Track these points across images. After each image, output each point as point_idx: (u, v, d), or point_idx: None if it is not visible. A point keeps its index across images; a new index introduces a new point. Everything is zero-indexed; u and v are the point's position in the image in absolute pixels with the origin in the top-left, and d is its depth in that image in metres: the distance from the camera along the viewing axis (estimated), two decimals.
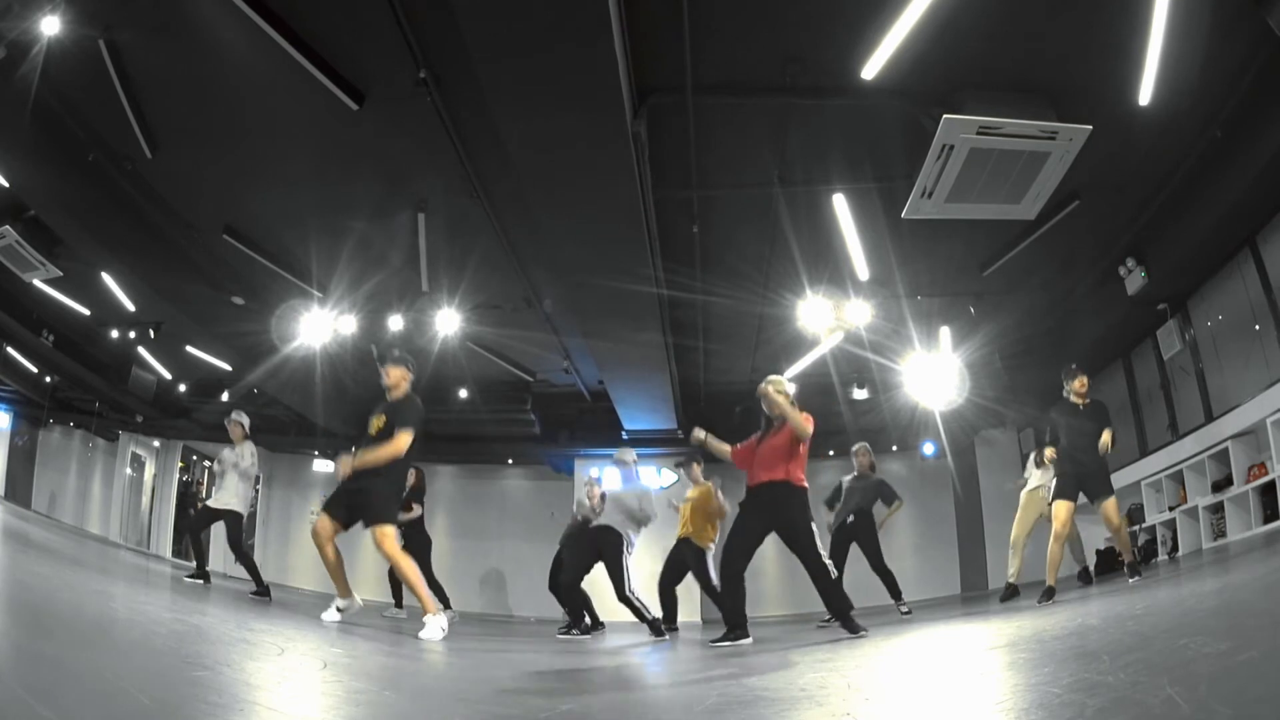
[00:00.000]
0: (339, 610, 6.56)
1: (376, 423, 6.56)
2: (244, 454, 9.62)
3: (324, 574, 6.83)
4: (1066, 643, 3.73)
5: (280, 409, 15.26)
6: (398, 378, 6.71)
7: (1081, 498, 7.77)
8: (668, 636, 8.42)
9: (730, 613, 6.49)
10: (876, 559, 9.67)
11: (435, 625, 6.17)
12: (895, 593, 9.65)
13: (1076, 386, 8.02)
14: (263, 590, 9.10)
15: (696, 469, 10.05)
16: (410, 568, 6.53)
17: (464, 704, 3.09)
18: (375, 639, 5.69)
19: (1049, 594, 7.30)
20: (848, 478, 10.19)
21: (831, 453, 16.24)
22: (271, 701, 2.59)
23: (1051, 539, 7.67)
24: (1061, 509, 7.65)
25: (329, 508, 6.47)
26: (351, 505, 6.44)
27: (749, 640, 6.28)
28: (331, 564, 6.58)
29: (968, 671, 3.61)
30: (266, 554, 17.75)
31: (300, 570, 17.17)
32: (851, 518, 9.74)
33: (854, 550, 9.69)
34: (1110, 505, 7.64)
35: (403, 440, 6.38)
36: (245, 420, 9.87)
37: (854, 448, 10.24)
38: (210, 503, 9.63)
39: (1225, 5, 6.05)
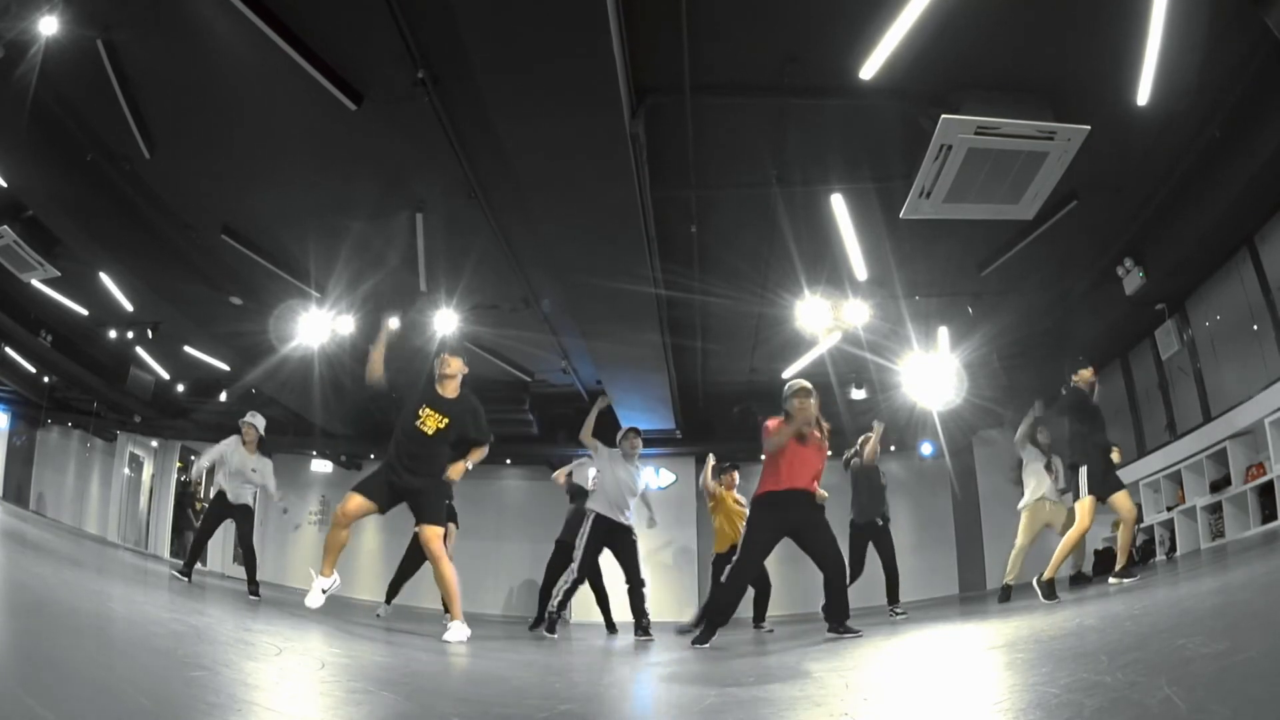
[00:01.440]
0: (324, 592, 6.42)
1: (436, 421, 6.36)
2: (266, 471, 9.75)
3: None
4: (1065, 643, 3.73)
5: (278, 409, 15.25)
6: (459, 368, 6.54)
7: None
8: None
9: (726, 615, 6.55)
10: (893, 560, 9.65)
11: (460, 629, 6.20)
12: (895, 596, 9.62)
13: (1088, 375, 7.90)
14: (254, 590, 9.19)
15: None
16: (452, 572, 6.39)
17: (462, 703, 3.09)
18: (372, 639, 5.69)
19: (1052, 590, 7.26)
20: (857, 462, 10.08)
21: (830, 453, 16.22)
22: (269, 702, 2.59)
23: (1076, 533, 7.56)
24: (1091, 506, 7.46)
25: (367, 490, 6.28)
26: (405, 500, 6.38)
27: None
28: (340, 543, 6.38)
29: (966, 672, 3.62)
30: (264, 555, 17.72)
31: (297, 571, 17.17)
32: (881, 521, 9.68)
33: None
34: (1126, 494, 7.55)
35: (481, 454, 6.66)
36: (260, 424, 9.84)
37: (862, 437, 10.17)
38: (232, 498, 9.51)
39: (1223, 5, 6.06)
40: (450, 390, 6.49)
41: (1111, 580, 7.48)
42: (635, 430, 9.01)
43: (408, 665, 4.35)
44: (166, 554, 16.61)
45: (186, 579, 8.89)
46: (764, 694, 3.27)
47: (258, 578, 9.53)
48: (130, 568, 9.91)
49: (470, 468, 6.69)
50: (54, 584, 4.79)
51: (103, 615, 4.04)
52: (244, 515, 9.59)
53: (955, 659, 4.21)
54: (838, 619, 6.41)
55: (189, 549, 9.94)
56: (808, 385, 6.72)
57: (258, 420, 9.81)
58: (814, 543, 6.46)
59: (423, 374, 6.61)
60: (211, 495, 9.81)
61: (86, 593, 4.94)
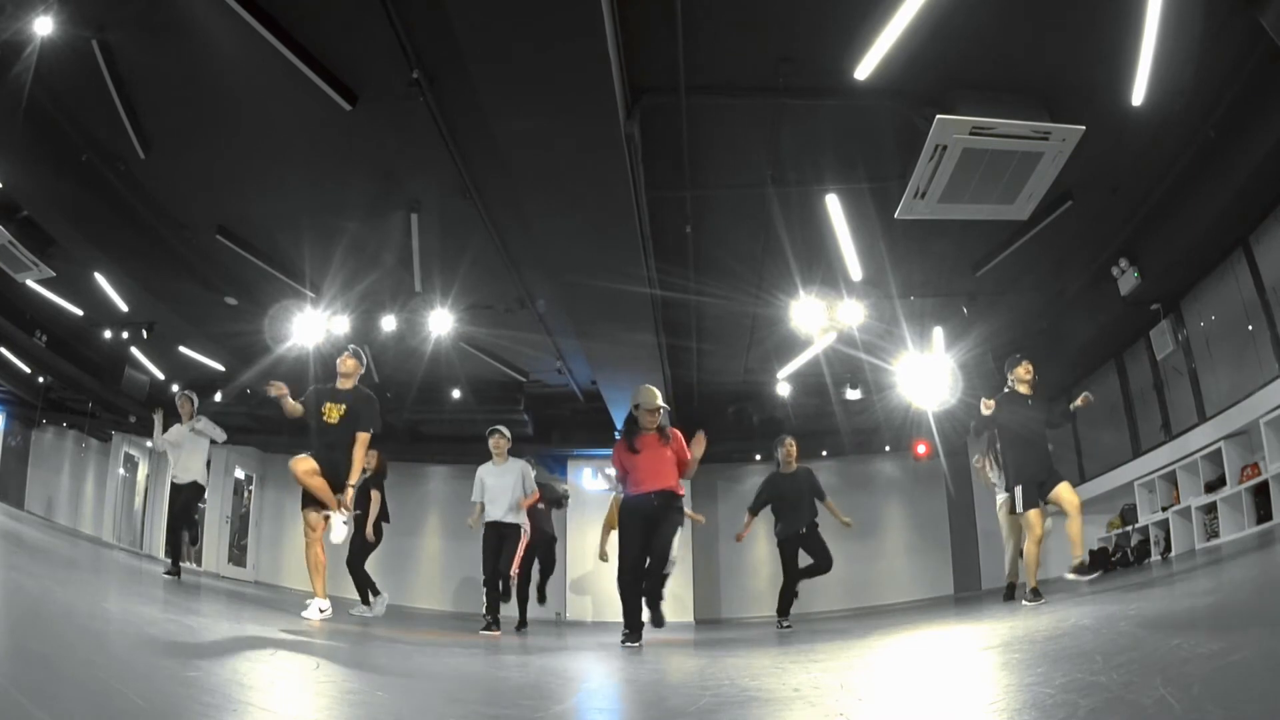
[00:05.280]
0: (321, 611, 6.82)
1: (336, 410, 6.99)
2: (209, 425, 10.13)
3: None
4: (1060, 643, 3.74)
5: (273, 410, 15.20)
6: (354, 368, 7.21)
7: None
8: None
9: (627, 609, 6.72)
10: (828, 563, 9.23)
11: (315, 608, 6.71)
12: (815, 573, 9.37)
13: (1022, 373, 7.76)
14: (175, 570, 9.38)
15: None
16: (320, 554, 6.94)
17: (457, 704, 3.09)
18: (367, 639, 5.69)
19: (1037, 594, 7.21)
20: (775, 472, 9.68)
21: (825, 453, 16.25)
22: (264, 702, 2.59)
23: (1030, 543, 7.42)
24: (1035, 516, 7.35)
25: (315, 455, 6.84)
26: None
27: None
28: (321, 560, 6.95)
29: (961, 672, 3.62)
30: (259, 555, 17.72)
31: (293, 571, 17.13)
32: (805, 529, 9.25)
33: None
34: (1066, 487, 7.36)
35: (366, 443, 7.02)
36: (195, 399, 10.31)
37: (779, 439, 9.73)
38: (179, 480, 9.90)
39: (1218, 5, 6.07)
40: (345, 385, 7.18)
41: (1069, 575, 7.35)
42: (493, 429, 9.29)
43: (402, 666, 4.35)
44: (161, 554, 16.57)
45: (176, 577, 8.99)
46: (758, 694, 3.27)
47: (182, 561, 9.71)
48: (125, 568, 9.90)
49: (354, 486, 7.04)
50: (49, 584, 4.78)
51: (98, 615, 4.03)
52: (194, 491, 9.97)
53: (950, 659, 4.21)
54: (651, 603, 6.78)
55: (169, 546, 10.06)
56: (645, 393, 6.96)
57: (193, 395, 10.33)
58: (655, 540, 6.78)
59: (310, 384, 7.34)
60: (168, 487, 10.26)
61: (81, 593, 4.94)
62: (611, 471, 9.06)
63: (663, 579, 6.82)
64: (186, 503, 9.94)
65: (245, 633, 4.59)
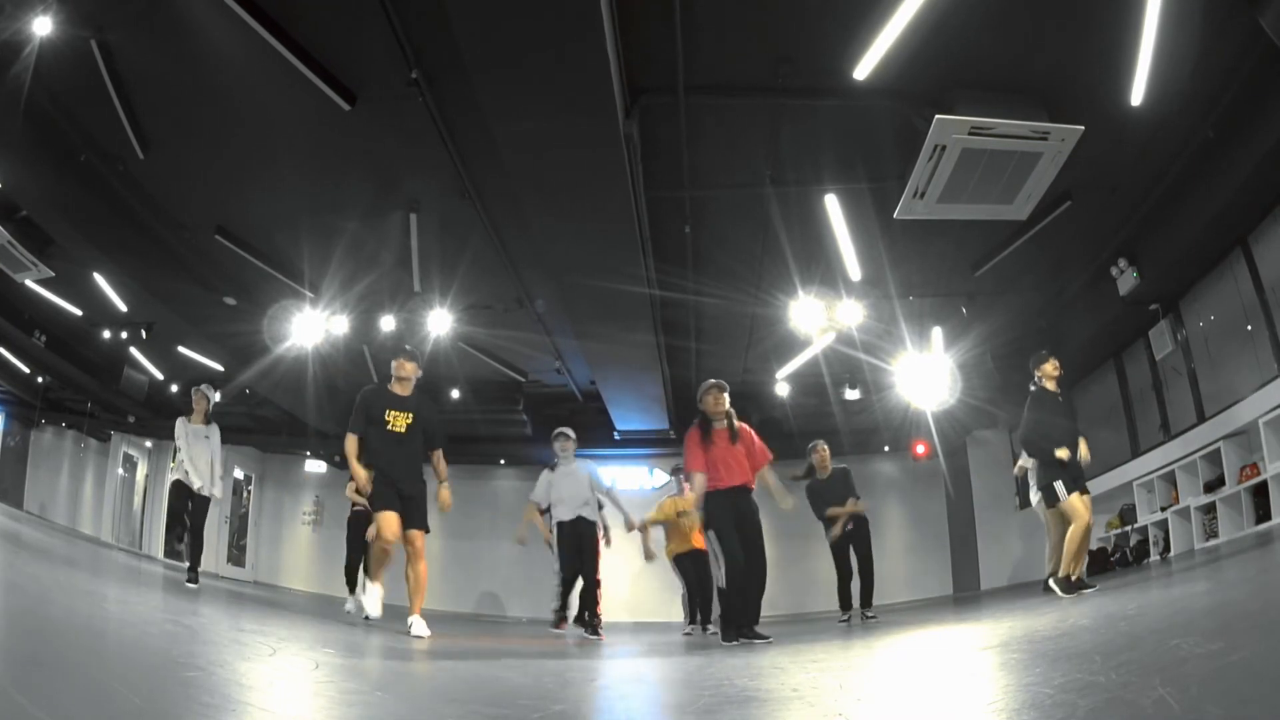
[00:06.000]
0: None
1: (404, 419, 6.68)
2: (216, 438, 9.48)
3: (312, 574, 6.90)
4: (1058, 643, 3.74)
5: (272, 409, 15.23)
6: (413, 370, 6.84)
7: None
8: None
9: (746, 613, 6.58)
10: (870, 562, 9.69)
11: (422, 624, 6.43)
12: (869, 599, 9.63)
13: (1050, 369, 7.74)
14: (193, 578, 9.05)
15: None
16: (424, 570, 6.73)
17: (455, 704, 3.08)
18: (366, 640, 5.69)
19: (1081, 583, 7.15)
20: (814, 480, 9.92)
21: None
22: (264, 702, 2.58)
23: (1076, 527, 7.27)
24: (1077, 500, 7.26)
25: (391, 504, 6.51)
26: (403, 509, 6.59)
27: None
28: (390, 559, 6.81)
29: (959, 672, 3.62)
30: (259, 555, 17.73)
31: (291, 571, 17.15)
32: (851, 524, 9.70)
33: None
34: (1085, 500, 7.36)
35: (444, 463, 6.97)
36: (214, 395, 9.77)
37: (811, 445, 10.03)
38: (189, 483, 9.24)
39: (1218, 5, 6.07)
40: (405, 390, 6.82)
41: (1063, 594, 7.14)
42: (559, 433, 9.13)
43: (401, 666, 4.35)
44: (160, 554, 16.57)
45: (195, 584, 8.79)
46: (757, 694, 3.27)
47: (199, 566, 9.31)
48: (124, 568, 9.89)
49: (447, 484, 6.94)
50: (48, 584, 4.78)
51: (97, 616, 4.03)
52: (202, 504, 9.32)
53: (949, 659, 4.21)
54: (748, 622, 6.49)
55: (188, 554, 9.74)
56: (716, 380, 7.06)
57: (210, 393, 9.66)
58: (754, 542, 6.65)
59: (358, 395, 6.88)
60: (169, 484, 9.68)
61: (80, 593, 4.93)
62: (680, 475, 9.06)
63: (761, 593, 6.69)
64: (194, 513, 9.29)
65: (245, 633, 4.59)
